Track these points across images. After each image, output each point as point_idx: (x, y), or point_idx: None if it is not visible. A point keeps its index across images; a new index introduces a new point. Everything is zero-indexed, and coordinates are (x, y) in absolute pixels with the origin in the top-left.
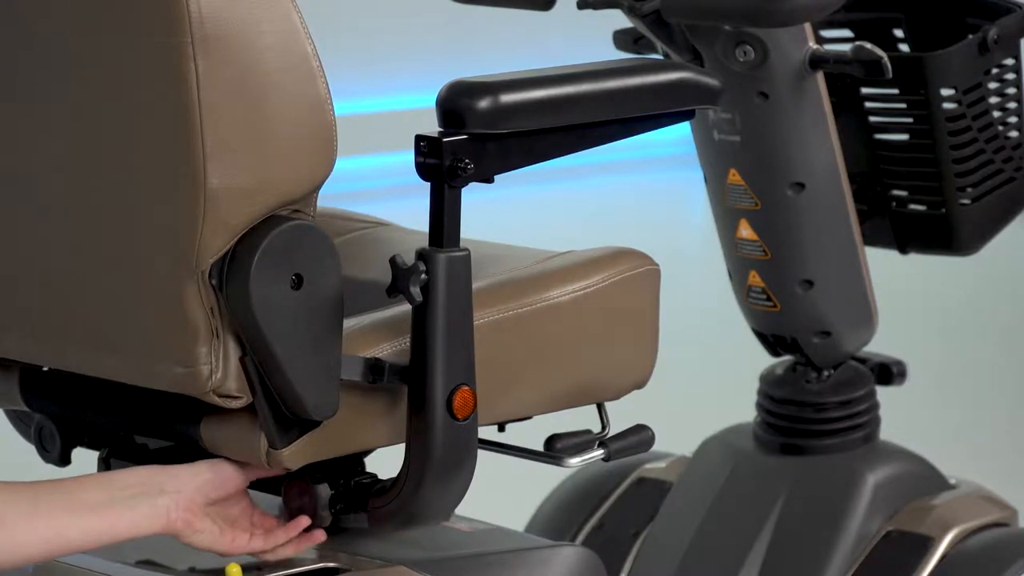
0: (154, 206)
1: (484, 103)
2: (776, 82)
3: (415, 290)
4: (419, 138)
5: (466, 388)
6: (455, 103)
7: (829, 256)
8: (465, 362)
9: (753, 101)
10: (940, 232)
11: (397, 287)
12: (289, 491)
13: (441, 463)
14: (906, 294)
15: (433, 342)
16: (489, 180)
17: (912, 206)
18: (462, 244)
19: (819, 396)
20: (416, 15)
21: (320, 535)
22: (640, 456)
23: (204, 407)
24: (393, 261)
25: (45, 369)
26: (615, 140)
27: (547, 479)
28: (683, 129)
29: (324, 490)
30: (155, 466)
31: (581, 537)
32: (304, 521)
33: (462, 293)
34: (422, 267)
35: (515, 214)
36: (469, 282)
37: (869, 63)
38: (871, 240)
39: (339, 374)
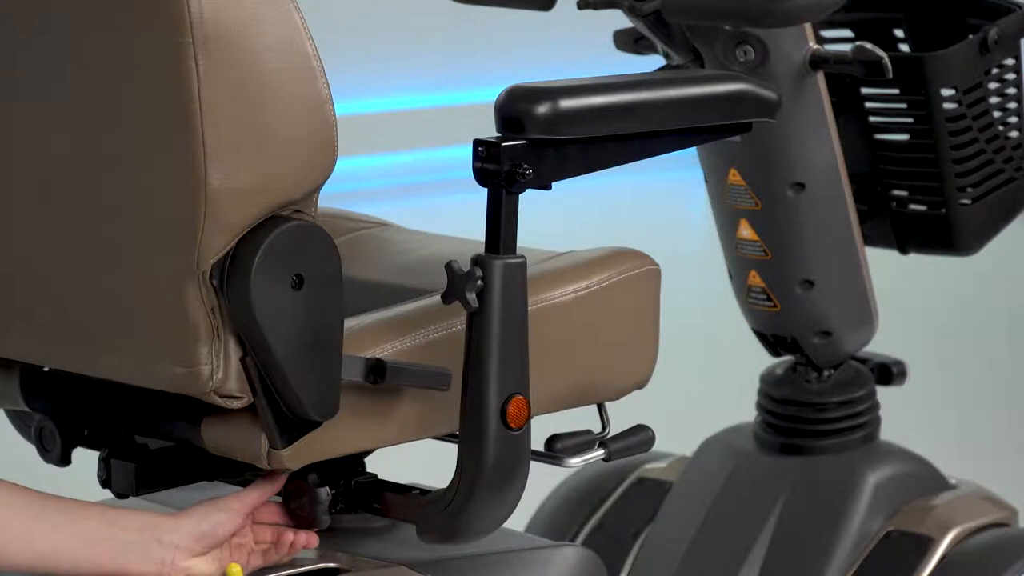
0: (155, 206)
1: (544, 108)
2: (776, 82)
3: (471, 296)
4: (477, 143)
5: (520, 397)
6: (514, 107)
7: (829, 256)
8: (519, 371)
9: None
10: (940, 232)
11: (453, 293)
12: (289, 492)
13: (494, 474)
14: (906, 294)
15: (488, 350)
16: (547, 187)
17: (912, 206)
18: (463, 244)
19: (819, 396)
20: (416, 15)
21: (313, 540)
22: (640, 456)
23: (205, 407)
24: (449, 267)
25: (46, 369)
26: (672, 151)
27: (547, 479)
28: None
29: (324, 491)
30: (157, 514)
31: (581, 537)
32: (288, 538)
33: (518, 301)
34: (478, 273)
35: None
36: (525, 289)
37: (869, 63)
38: (871, 240)
39: (340, 374)
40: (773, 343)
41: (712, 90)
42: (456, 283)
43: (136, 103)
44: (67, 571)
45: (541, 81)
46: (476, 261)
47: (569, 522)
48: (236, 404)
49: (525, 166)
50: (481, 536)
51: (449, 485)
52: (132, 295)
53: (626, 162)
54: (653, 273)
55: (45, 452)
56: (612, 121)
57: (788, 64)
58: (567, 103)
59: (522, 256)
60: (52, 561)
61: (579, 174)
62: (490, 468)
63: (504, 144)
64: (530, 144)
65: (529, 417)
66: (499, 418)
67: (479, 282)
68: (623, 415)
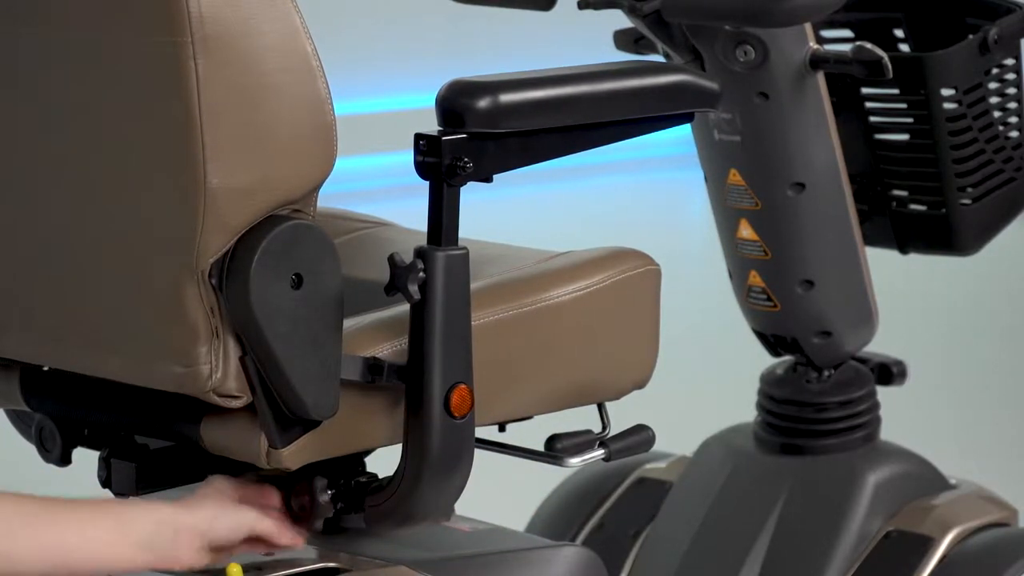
0: (154, 206)
1: (483, 102)
2: (777, 82)
3: (413, 288)
4: (418, 136)
5: (463, 386)
6: (455, 102)
7: (829, 256)
8: (463, 360)
9: (753, 101)
10: (940, 232)
11: (395, 285)
12: (290, 491)
13: (438, 461)
14: (906, 294)
15: (431, 340)
16: (488, 179)
17: (912, 206)
18: (462, 244)
19: (819, 396)
20: (416, 15)
21: (299, 542)
22: (640, 456)
23: (204, 407)
24: (391, 259)
25: (46, 369)
26: (613, 142)
27: (547, 479)
28: (683, 129)
29: (326, 496)
30: (169, 506)
31: (581, 537)
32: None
33: (460, 291)
34: (420, 265)
35: (515, 214)
36: (467, 280)
37: (870, 63)
38: (871, 240)
39: (339, 374)
40: (773, 343)
41: (652, 82)
42: (398, 275)
43: (136, 103)
44: (87, 572)
45: (483, 75)
46: (418, 253)
47: (569, 522)
48: (235, 403)
49: (465, 159)
50: (426, 522)
51: (395, 473)
52: (131, 295)
53: (569, 153)
54: (653, 273)
55: (45, 452)
56: (552, 114)
57: (788, 64)
58: (507, 97)
59: (464, 248)
60: (72, 567)
61: (521, 166)
62: (435, 456)
63: (444, 138)
64: (470, 138)
65: (472, 405)
66: (443, 407)
67: (421, 274)
68: (623, 415)
